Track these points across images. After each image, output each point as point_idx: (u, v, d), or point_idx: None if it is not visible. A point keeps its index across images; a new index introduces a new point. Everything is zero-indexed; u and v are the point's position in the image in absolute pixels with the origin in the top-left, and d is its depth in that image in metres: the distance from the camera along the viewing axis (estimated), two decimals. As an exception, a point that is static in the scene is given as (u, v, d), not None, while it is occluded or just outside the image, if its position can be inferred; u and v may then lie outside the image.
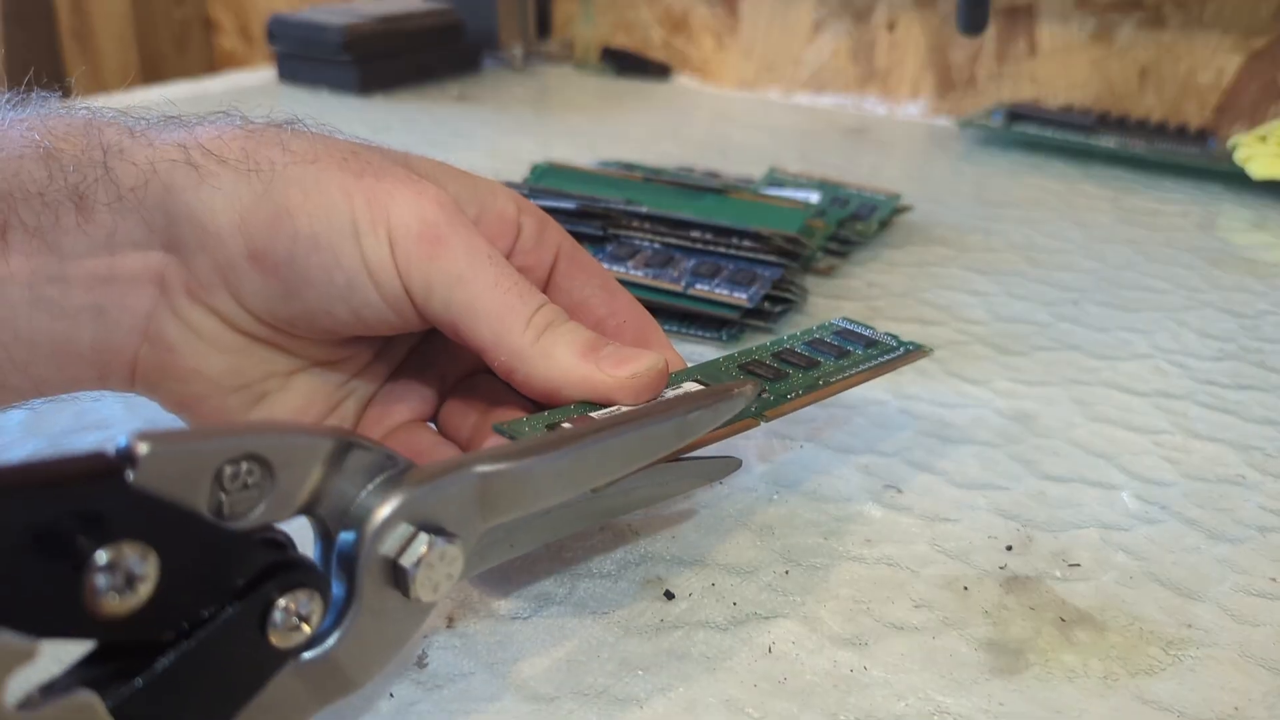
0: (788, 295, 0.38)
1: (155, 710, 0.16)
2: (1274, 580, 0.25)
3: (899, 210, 0.49)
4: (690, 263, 0.38)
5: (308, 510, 0.17)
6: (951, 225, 0.50)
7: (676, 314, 0.37)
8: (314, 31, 0.71)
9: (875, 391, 0.34)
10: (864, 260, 0.45)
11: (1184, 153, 0.58)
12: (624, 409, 0.23)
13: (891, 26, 0.71)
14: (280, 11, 0.75)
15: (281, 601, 0.17)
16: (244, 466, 0.16)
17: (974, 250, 0.47)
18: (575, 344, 0.24)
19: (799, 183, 0.50)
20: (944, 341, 0.37)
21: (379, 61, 0.72)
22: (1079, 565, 0.25)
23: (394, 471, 0.18)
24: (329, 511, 0.18)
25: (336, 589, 0.18)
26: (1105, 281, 0.44)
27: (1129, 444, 0.31)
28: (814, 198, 0.47)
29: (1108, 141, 0.60)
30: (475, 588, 0.24)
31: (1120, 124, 0.63)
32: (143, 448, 0.15)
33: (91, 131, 0.23)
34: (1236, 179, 0.56)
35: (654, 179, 0.47)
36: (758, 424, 0.25)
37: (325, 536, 0.18)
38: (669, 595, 0.24)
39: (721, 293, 0.37)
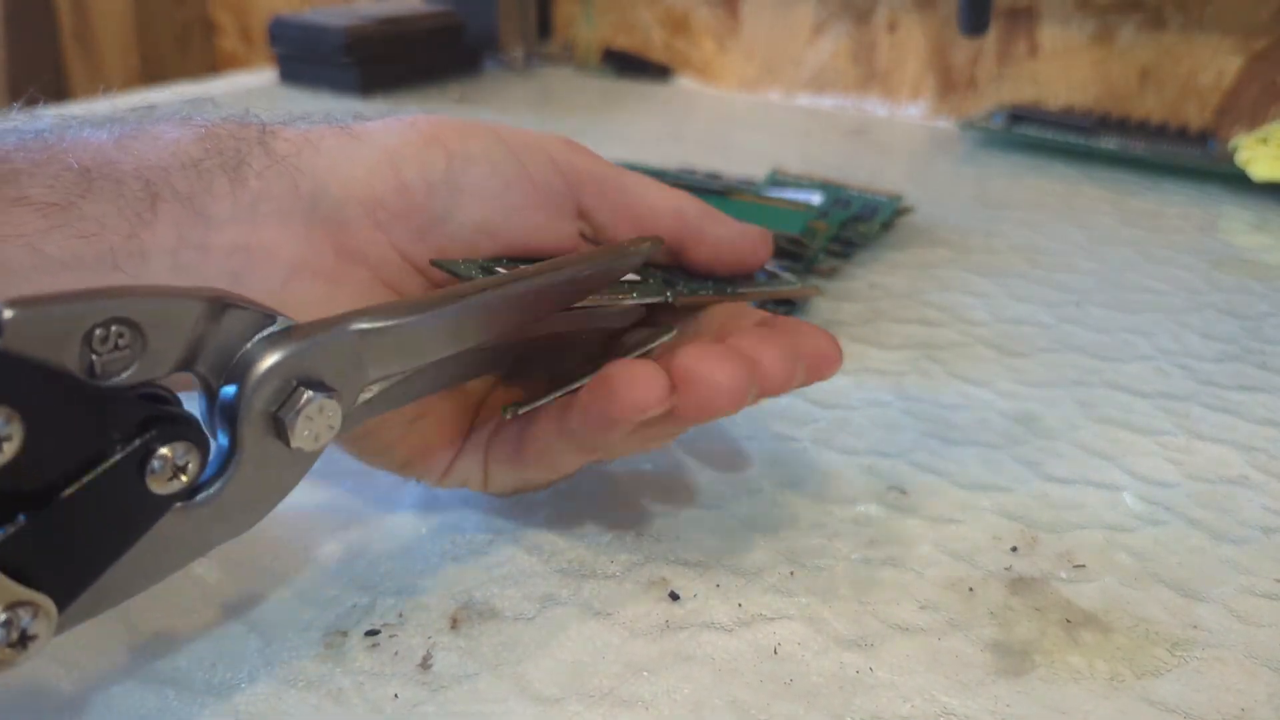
0: (790, 296, 0.38)
1: (40, 550, 0.16)
2: (1279, 581, 0.25)
3: (901, 212, 0.49)
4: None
5: (185, 366, 0.18)
6: (953, 227, 0.50)
7: (679, 315, 0.37)
8: (315, 33, 0.71)
9: (878, 393, 0.34)
10: (866, 261, 0.45)
11: (1185, 154, 0.58)
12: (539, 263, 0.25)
13: (892, 28, 0.71)
14: (281, 13, 0.75)
15: (162, 451, 0.17)
16: (113, 329, 0.16)
17: (976, 252, 0.47)
18: (726, 218, 0.28)
19: (801, 184, 0.50)
20: (946, 343, 0.37)
21: (380, 63, 0.72)
22: (1084, 566, 0.25)
23: (274, 329, 0.19)
24: (209, 368, 0.18)
25: (221, 439, 0.19)
26: (1107, 283, 0.44)
27: (1132, 445, 0.31)
28: (816, 199, 0.47)
29: (1108, 143, 0.60)
30: (478, 588, 0.24)
31: (1121, 126, 0.63)
32: (8, 313, 0.15)
33: (248, 117, 0.24)
34: (1237, 181, 0.56)
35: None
36: (664, 300, 0.26)
37: (208, 391, 0.19)
38: (674, 596, 0.24)
39: (724, 294, 0.37)
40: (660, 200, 0.27)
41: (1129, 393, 0.34)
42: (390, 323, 0.20)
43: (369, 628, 0.23)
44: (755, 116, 0.71)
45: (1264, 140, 0.55)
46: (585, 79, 0.80)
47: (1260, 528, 0.27)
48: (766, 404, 0.33)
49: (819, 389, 0.34)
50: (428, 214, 0.24)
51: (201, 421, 0.18)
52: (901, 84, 0.72)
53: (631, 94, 0.76)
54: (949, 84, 0.71)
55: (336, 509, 0.27)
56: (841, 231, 0.45)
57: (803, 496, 0.28)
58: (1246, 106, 0.62)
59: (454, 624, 0.23)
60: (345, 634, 0.23)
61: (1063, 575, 0.25)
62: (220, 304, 0.18)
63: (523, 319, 0.23)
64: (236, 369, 0.18)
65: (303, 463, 0.20)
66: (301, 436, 0.19)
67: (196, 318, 0.18)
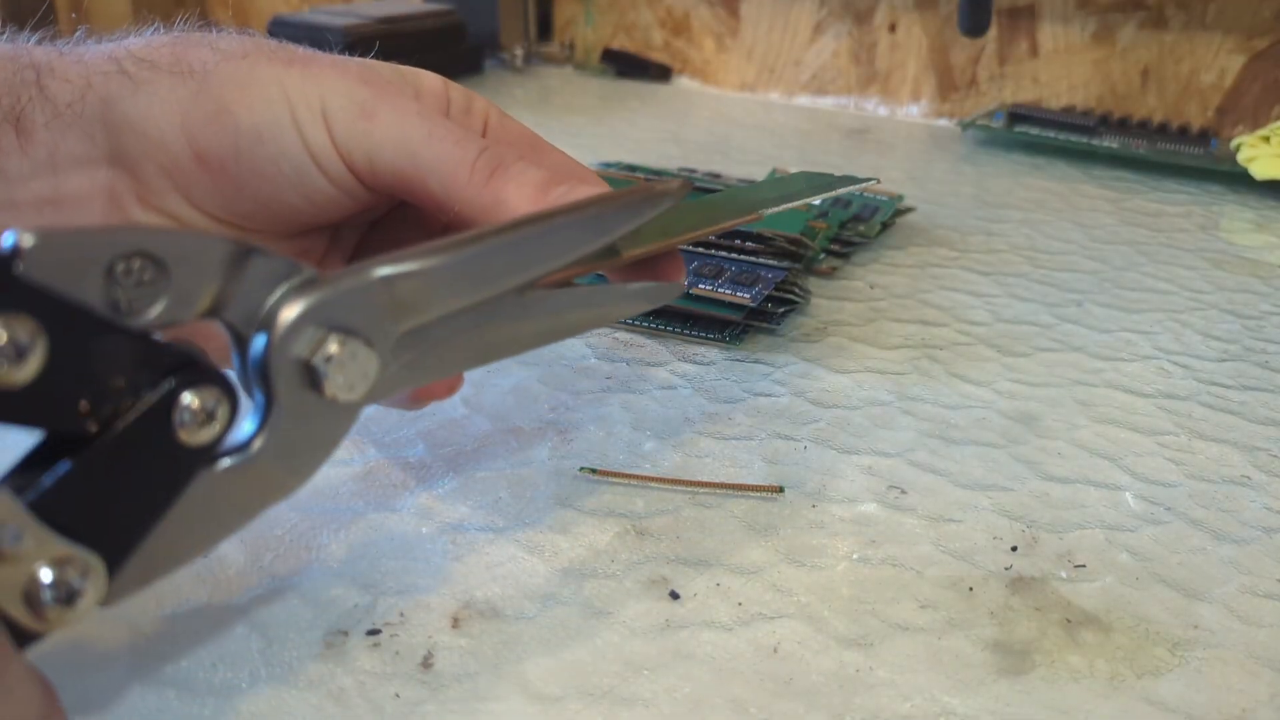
0: (790, 296, 0.38)
1: (82, 503, 0.16)
2: None
3: (900, 211, 0.49)
4: (693, 264, 0.38)
5: (214, 314, 0.18)
6: (953, 226, 0.50)
7: (679, 315, 0.37)
8: (315, 33, 0.71)
9: (878, 392, 0.34)
10: (866, 261, 0.45)
11: (1186, 153, 0.58)
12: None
13: (893, 28, 0.71)
14: (281, 13, 0.75)
15: (188, 397, 0.17)
16: (136, 263, 0.16)
17: (976, 251, 0.47)
18: (526, 185, 0.23)
19: (801, 184, 0.50)
20: (946, 342, 0.37)
21: (380, 63, 0.72)
22: (1084, 566, 0.25)
23: (301, 278, 0.19)
24: (239, 316, 0.18)
25: (256, 393, 0.19)
26: (1108, 282, 0.44)
27: (1133, 445, 0.31)
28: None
29: (1109, 142, 0.60)
30: (479, 588, 0.24)
31: (1122, 125, 0.63)
32: (28, 239, 0.15)
33: (20, 54, 0.23)
34: (1239, 180, 0.56)
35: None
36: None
37: (239, 341, 0.19)
38: (674, 595, 0.24)
39: (724, 293, 0.37)
40: (433, 166, 0.24)
41: (1130, 392, 0.34)
42: (413, 266, 0.20)
43: (370, 627, 0.23)
44: (755, 117, 0.71)
45: (1266, 139, 0.55)
46: (585, 79, 0.80)
47: (1262, 528, 0.27)
48: (766, 403, 0.33)
49: (819, 389, 0.34)
50: (225, 186, 0.23)
51: (236, 377, 0.19)
52: (902, 84, 0.72)
53: (631, 94, 0.76)
54: (949, 84, 0.71)
55: (338, 509, 0.27)
56: (841, 231, 0.45)
57: (802, 496, 0.28)
58: (1248, 105, 0.62)
59: (455, 623, 0.23)
60: (346, 634, 0.23)
61: (1063, 575, 0.25)
62: (244, 249, 0.18)
63: (548, 262, 0.22)
64: (266, 318, 0.18)
65: (342, 417, 0.20)
66: (336, 384, 0.19)
67: (221, 258, 0.18)
